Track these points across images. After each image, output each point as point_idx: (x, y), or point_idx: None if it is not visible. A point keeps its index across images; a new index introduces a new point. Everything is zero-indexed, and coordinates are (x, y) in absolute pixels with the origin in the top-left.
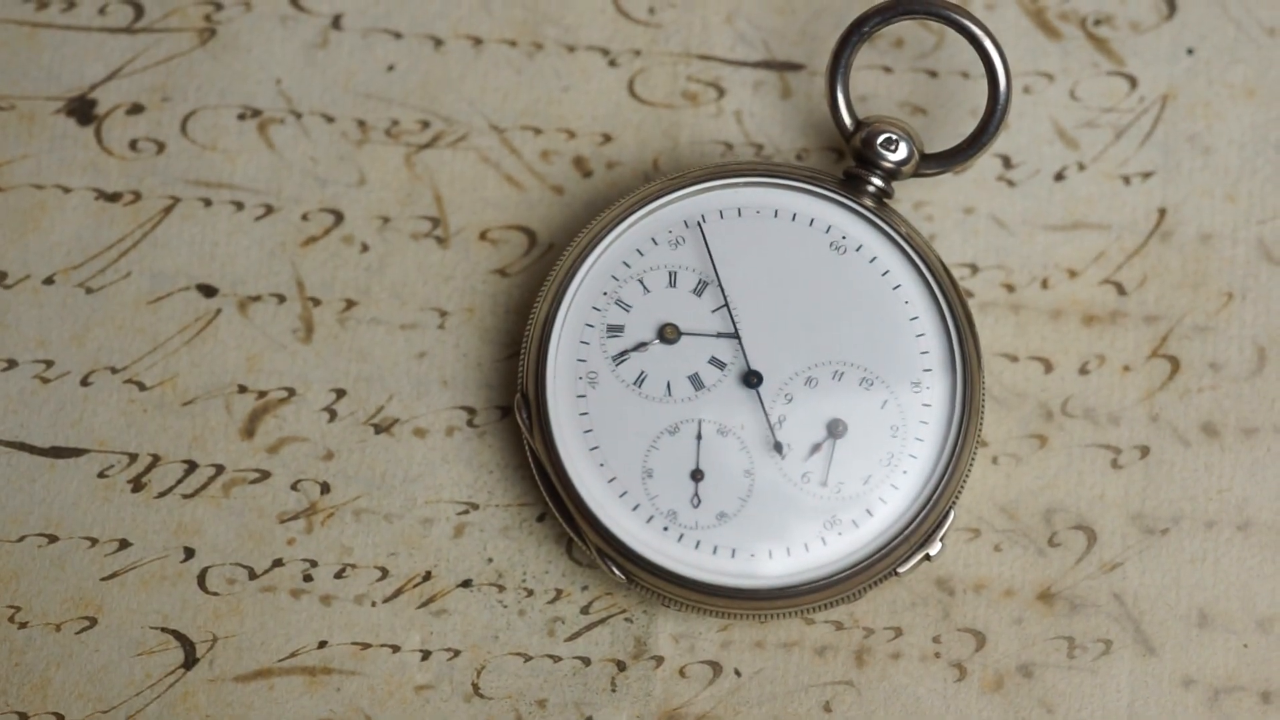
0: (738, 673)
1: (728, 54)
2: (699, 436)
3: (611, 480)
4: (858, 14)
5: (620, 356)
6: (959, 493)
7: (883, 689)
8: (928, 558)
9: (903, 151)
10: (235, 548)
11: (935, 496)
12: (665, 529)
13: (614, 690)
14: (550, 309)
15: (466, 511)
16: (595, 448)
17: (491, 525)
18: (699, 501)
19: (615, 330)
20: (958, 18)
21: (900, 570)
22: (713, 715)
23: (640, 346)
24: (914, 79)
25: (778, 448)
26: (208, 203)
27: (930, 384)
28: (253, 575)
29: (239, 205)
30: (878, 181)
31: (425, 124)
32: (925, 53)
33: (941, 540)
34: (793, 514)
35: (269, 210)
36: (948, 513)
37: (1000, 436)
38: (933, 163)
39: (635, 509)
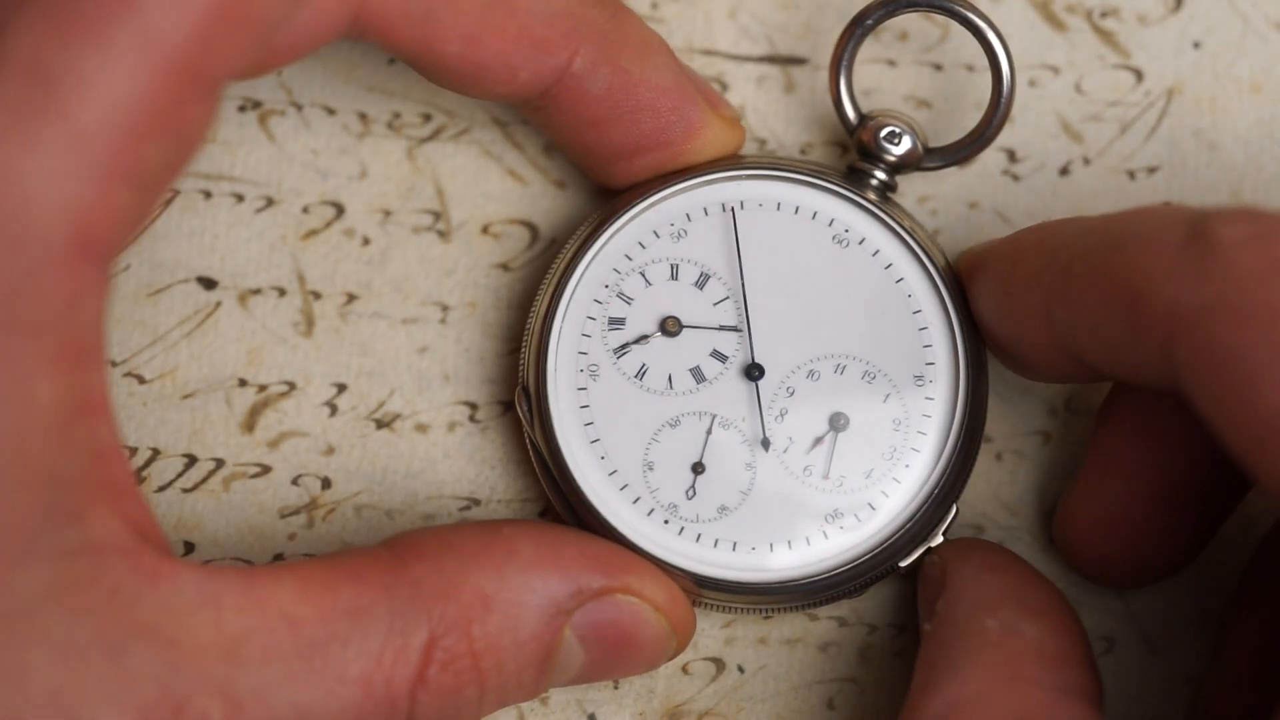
0: (741, 669)
1: (731, 49)
2: (709, 431)
3: (613, 473)
4: (861, 7)
5: (622, 349)
6: (962, 488)
7: (887, 686)
8: (930, 553)
9: (906, 145)
10: (236, 542)
11: (938, 491)
12: (666, 522)
13: (616, 687)
14: (551, 301)
15: (468, 507)
16: (596, 440)
17: None
18: (694, 494)
19: (617, 323)
20: (962, 10)
21: (903, 565)
22: (715, 712)
23: (642, 339)
24: (918, 72)
25: (764, 443)
26: (208, 195)
27: (934, 378)
28: None
29: (239, 197)
30: (881, 175)
31: (427, 117)
32: (929, 46)
33: (944, 536)
34: (794, 508)
35: (270, 203)
36: (951, 508)
37: (1004, 432)
38: (937, 157)
39: (636, 502)
